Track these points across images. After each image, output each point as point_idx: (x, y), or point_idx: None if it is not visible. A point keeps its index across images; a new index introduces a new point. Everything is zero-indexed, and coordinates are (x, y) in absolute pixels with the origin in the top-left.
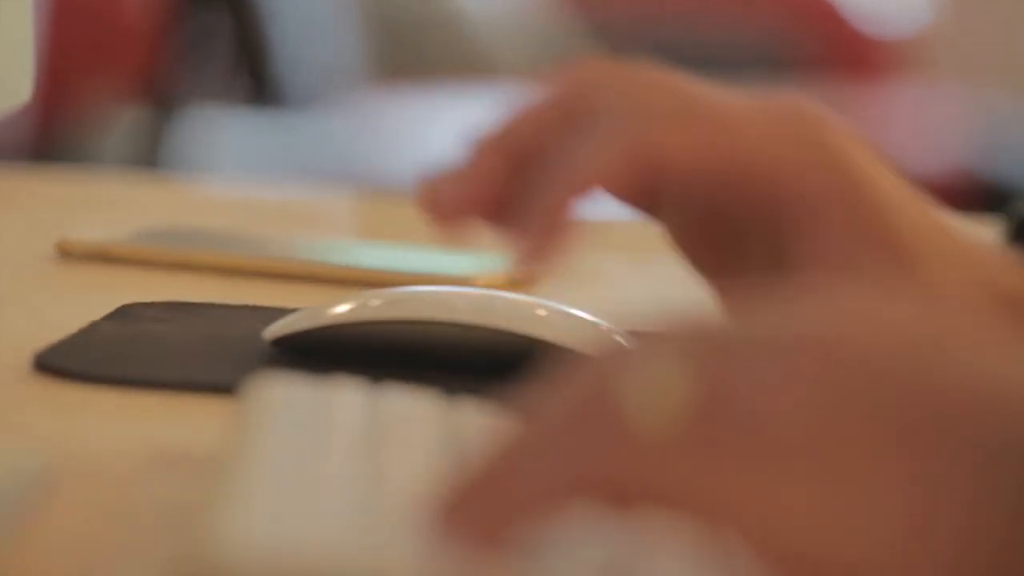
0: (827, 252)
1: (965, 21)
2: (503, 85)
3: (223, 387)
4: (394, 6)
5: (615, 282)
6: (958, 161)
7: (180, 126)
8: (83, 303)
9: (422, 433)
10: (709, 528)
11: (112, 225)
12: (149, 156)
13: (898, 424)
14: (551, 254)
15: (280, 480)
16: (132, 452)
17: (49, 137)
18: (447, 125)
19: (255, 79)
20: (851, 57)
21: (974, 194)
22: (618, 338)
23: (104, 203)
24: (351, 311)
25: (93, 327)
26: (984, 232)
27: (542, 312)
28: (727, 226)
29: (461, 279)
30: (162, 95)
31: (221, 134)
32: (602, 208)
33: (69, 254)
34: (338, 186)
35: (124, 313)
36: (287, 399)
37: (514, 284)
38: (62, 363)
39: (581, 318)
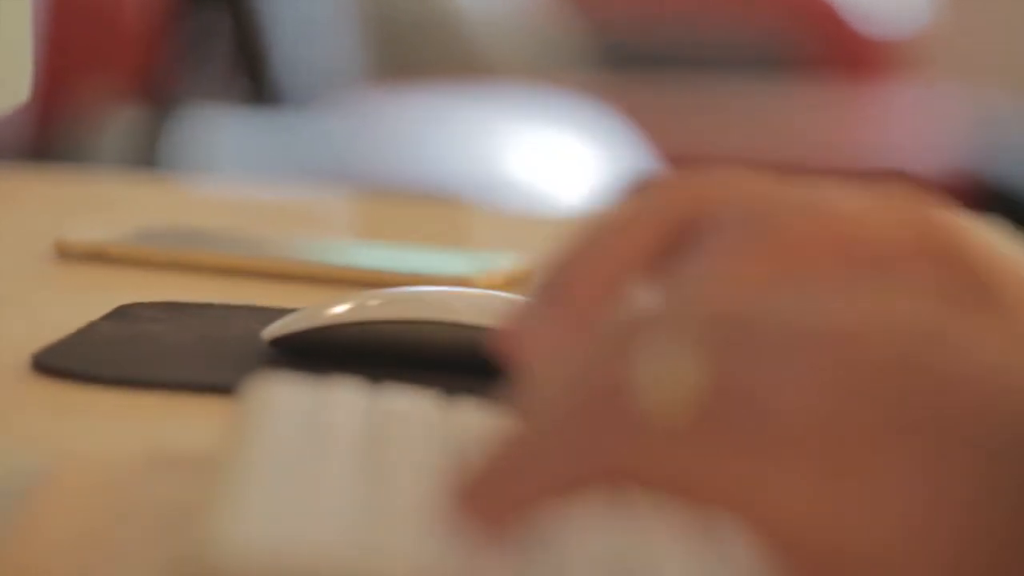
0: None
1: (964, 21)
2: (501, 85)
3: (221, 387)
4: (392, 7)
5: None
6: (957, 161)
7: (178, 126)
8: (81, 303)
9: (421, 433)
10: (716, 519)
11: (110, 225)
12: (147, 156)
13: (903, 420)
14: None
15: (278, 480)
16: (130, 452)
17: (47, 137)
18: (445, 125)
19: (253, 79)
20: (850, 57)
21: (973, 194)
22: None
23: (102, 203)
24: (350, 311)
25: (91, 327)
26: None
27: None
28: None
29: (459, 279)
30: (160, 95)
31: (219, 134)
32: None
33: (67, 254)
34: (336, 186)
35: (122, 313)
36: (286, 399)
37: (512, 284)
38: (60, 363)
39: None
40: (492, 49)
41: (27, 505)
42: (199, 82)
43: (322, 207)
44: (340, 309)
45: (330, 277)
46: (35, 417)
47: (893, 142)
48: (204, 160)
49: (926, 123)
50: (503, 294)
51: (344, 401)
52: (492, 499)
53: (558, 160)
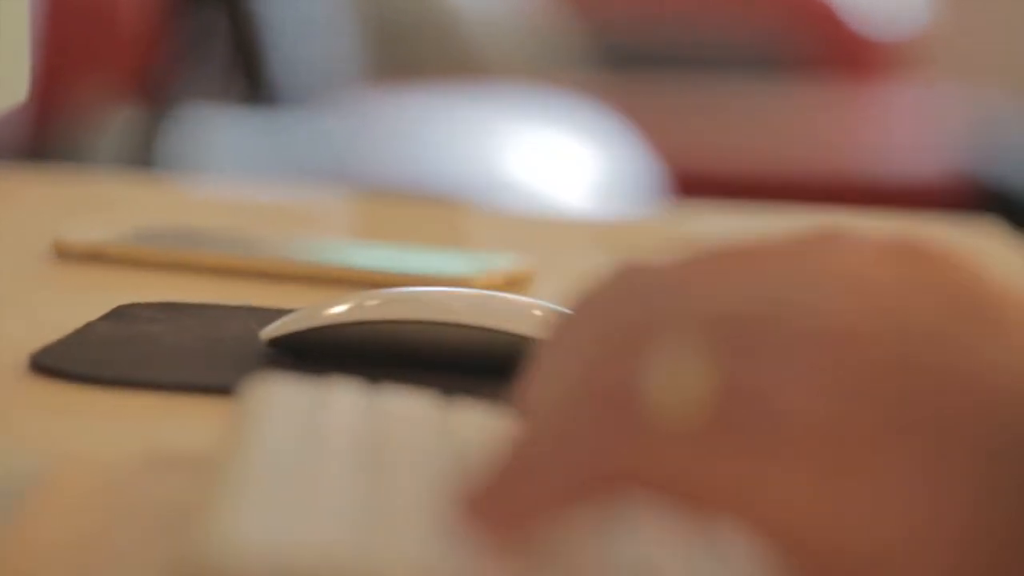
0: None
1: (963, 21)
2: (500, 85)
3: (220, 387)
4: (390, 6)
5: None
6: (956, 162)
7: (176, 126)
8: (79, 303)
9: (419, 434)
10: (718, 520)
11: (108, 225)
12: (145, 156)
13: (903, 420)
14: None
15: (277, 481)
16: (129, 453)
17: (45, 137)
18: (444, 126)
19: (251, 79)
20: (849, 58)
21: (972, 195)
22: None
23: (100, 203)
24: (348, 311)
25: (89, 327)
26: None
27: (539, 313)
28: None
29: (458, 279)
30: (158, 95)
31: (217, 134)
32: (600, 207)
33: (65, 254)
34: (334, 186)
35: (120, 314)
36: (284, 400)
37: (511, 285)
38: (58, 364)
39: None
40: (491, 49)
41: (25, 506)
42: (197, 82)
43: (320, 207)
44: (338, 309)
45: (328, 277)
46: (33, 418)
47: (892, 142)
48: (202, 160)
49: (925, 123)
50: (502, 294)
51: (342, 401)
52: (501, 505)
53: (557, 160)
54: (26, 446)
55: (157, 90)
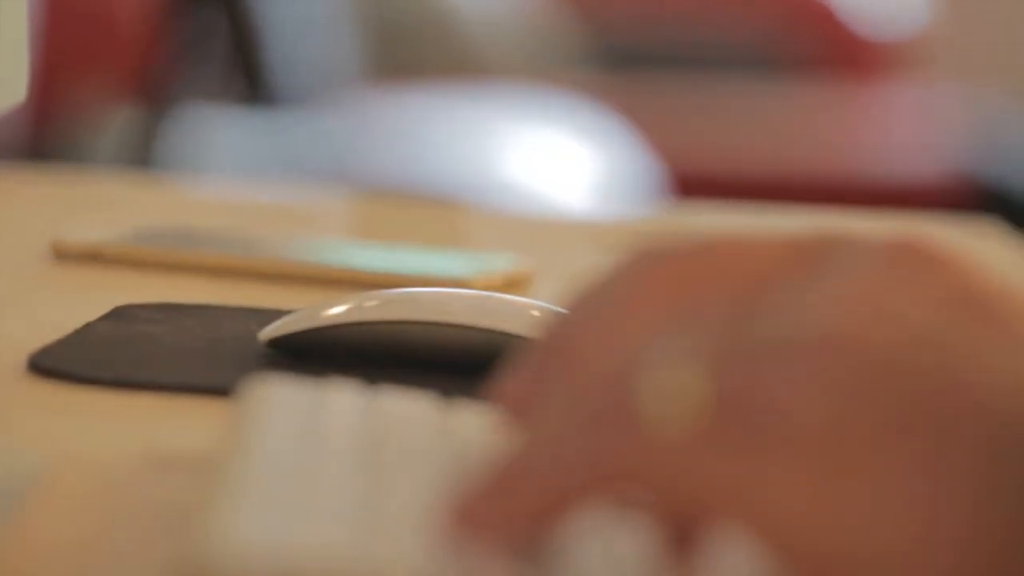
0: None
1: (963, 21)
2: (500, 86)
3: (219, 388)
4: (390, 6)
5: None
6: (956, 162)
7: (175, 126)
8: (77, 304)
9: (418, 435)
10: (724, 521)
11: (107, 226)
12: (144, 156)
13: (903, 421)
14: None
15: (276, 482)
16: (128, 453)
17: (44, 137)
18: (443, 126)
19: (250, 79)
20: (849, 58)
21: (972, 195)
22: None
23: (99, 203)
24: (347, 312)
25: (88, 328)
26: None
27: (538, 313)
28: None
29: (457, 280)
30: (157, 95)
31: (216, 134)
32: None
33: (64, 254)
34: (333, 186)
35: (119, 314)
36: (283, 400)
37: (510, 285)
38: (56, 364)
39: None
40: (490, 49)
41: (25, 506)
42: (196, 81)
43: (319, 208)
44: (337, 310)
45: (327, 278)
46: (32, 418)
47: (892, 143)
48: (201, 160)
49: (925, 123)
50: (501, 295)
51: (341, 402)
52: (498, 507)
53: (556, 160)
54: (25, 447)
55: (156, 90)
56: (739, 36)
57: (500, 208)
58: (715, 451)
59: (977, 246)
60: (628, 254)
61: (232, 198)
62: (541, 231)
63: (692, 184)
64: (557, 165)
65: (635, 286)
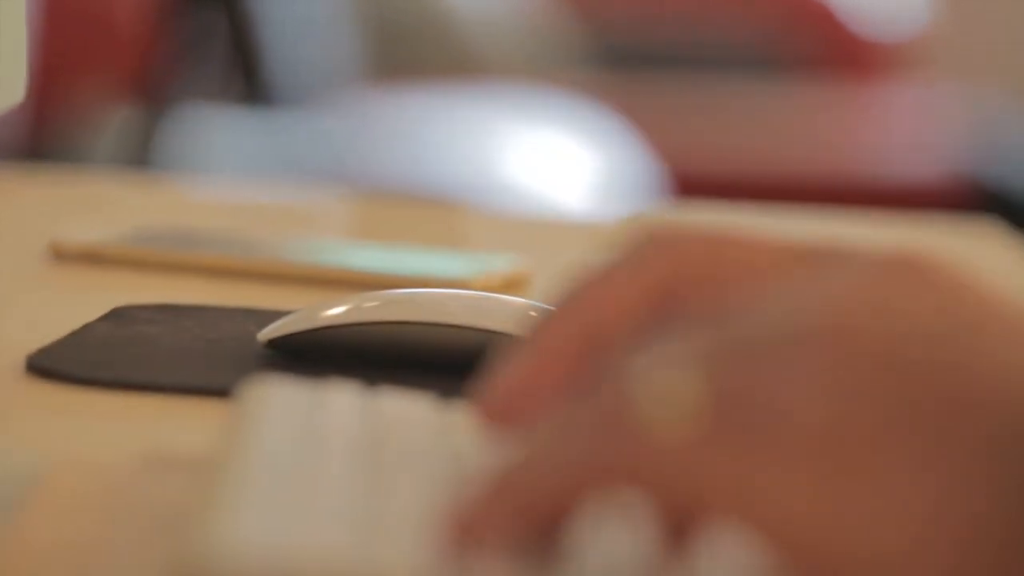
0: None
1: (963, 21)
2: (499, 86)
3: (218, 389)
4: (389, 6)
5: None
6: (956, 162)
7: (174, 126)
8: (76, 304)
9: (417, 435)
10: (721, 523)
11: (106, 226)
12: (143, 156)
13: (904, 420)
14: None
15: (275, 483)
16: (126, 454)
17: (42, 137)
18: (442, 126)
19: (249, 79)
20: (849, 58)
21: (972, 196)
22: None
23: (98, 204)
24: (346, 313)
25: (86, 329)
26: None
27: (536, 314)
28: None
29: (456, 281)
30: (156, 95)
31: (215, 134)
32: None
33: (62, 255)
34: (332, 186)
35: (117, 315)
36: (282, 401)
37: (509, 286)
38: (55, 365)
39: None
40: (490, 49)
41: (24, 507)
42: (195, 82)
43: (318, 208)
44: (336, 311)
45: (326, 279)
46: (30, 419)
47: (892, 143)
48: (200, 161)
49: (925, 124)
50: (499, 296)
51: (340, 403)
52: (498, 507)
53: (556, 161)
54: (24, 448)
55: (155, 90)
56: (739, 36)
57: (499, 209)
58: (715, 451)
59: (977, 246)
60: (626, 246)
61: (231, 198)
62: (540, 232)
63: (692, 184)
64: (556, 165)
65: (632, 280)
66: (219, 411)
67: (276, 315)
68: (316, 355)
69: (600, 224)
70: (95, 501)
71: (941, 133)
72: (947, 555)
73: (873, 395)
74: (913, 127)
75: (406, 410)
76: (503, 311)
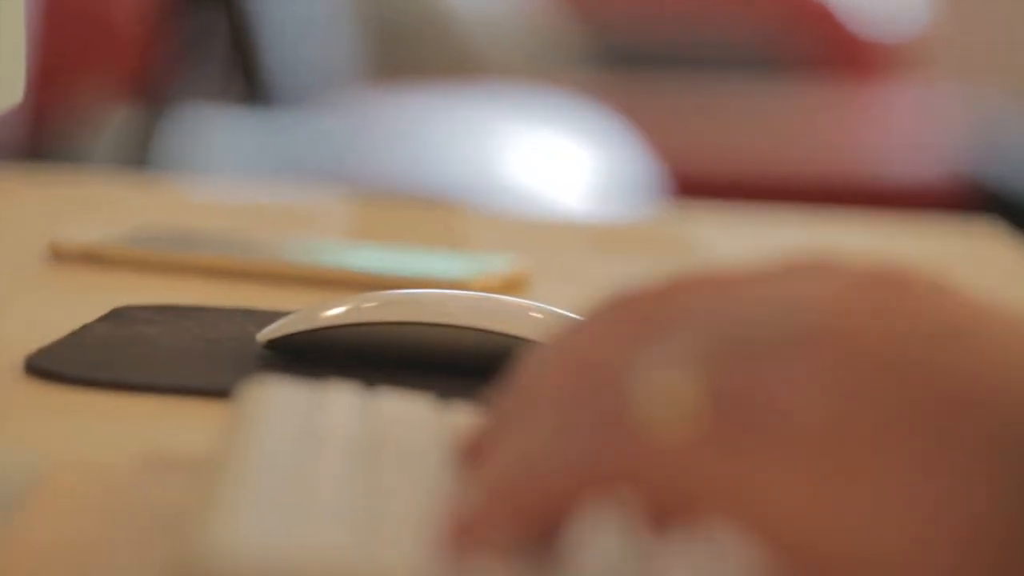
0: None
1: (963, 21)
2: (499, 86)
3: (217, 390)
4: (389, 6)
5: (610, 283)
6: (956, 163)
7: (173, 126)
8: (75, 305)
9: (416, 436)
10: (720, 524)
11: (105, 227)
12: (142, 156)
13: (905, 421)
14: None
15: (274, 483)
16: (126, 455)
17: (41, 137)
18: (442, 126)
19: (248, 79)
20: (849, 58)
21: (972, 196)
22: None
23: (97, 204)
24: (345, 313)
25: (85, 329)
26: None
27: (537, 315)
28: None
29: (455, 281)
30: (155, 95)
31: (214, 134)
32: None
33: (61, 256)
34: (332, 187)
35: (116, 315)
36: (281, 402)
37: (508, 286)
38: (53, 366)
39: None
40: (490, 49)
41: (23, 508)
42: (195, 82)
43: (317, 209)
44: (335, 311)
45: (325, 279)
46: (29, 420)
47: (892, 143)
48: (199, 161)
49: (925, 124)
50: (499, 296)
51: (339, 404)
52: (496, 512)
53: (555, 161)
54: (22, 449)
55: (155, 90)
56: (739, 36)
57: (499, 209)
58: (714, 451)
59: (977, 246)
60: (621, 288)
61: (231, 199)
62: (540, 232)
63: (692, 184)
64: (556, 165)
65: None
66: (218, 412)
67: (275, 316)
68: (315, 356)
69: (599, 224)
70: (95, 501)
71: (941, 133)
72: (947, 555)
73: (873, 395)
74: (913, 127)
75: (405, 411)
76: (502, 312)
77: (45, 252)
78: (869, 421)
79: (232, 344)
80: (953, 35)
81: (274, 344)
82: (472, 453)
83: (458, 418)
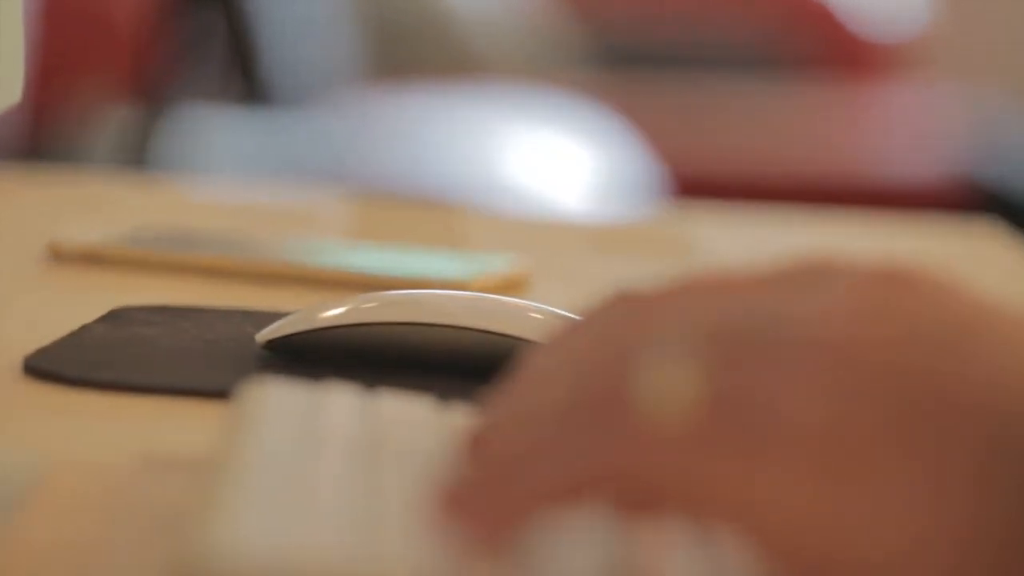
0: None
1: (963, 21)
2: (499, 85)
3: (216, 391)
4: (389, 6)
5: (610, 284)
6: (956, 163)
7: (172, 126)
8: (74, 305)
9: (416, 437)
10: (718, 524)
11: (104, 227)
12: (141, 156)
13: (905, 422)
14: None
15: (273, 484)
16: (125, 456)
17: (40, 137)
18: (441, 126)
19: (248, 79)
20: (849, 58)
21: (972, 196)
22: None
23: (96, 204)
24: (344, 314)
25: (84, 330)
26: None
27: (536, 315)
28: None
29: (455, 282)
30: (154, 95)
31: (214, 134)
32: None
33: (60, 256)
34: (331, 187)
35: (115, 316)
36: (280, 403)
37: (508, 287)
38: (52, 367)
39: None
40: (490, 49)
41: (22, 508)
42: (194, 82)
43: (317, 209)
44: (335, 312)
45: (325, 280)
46: (28, 421)
47: (892, 143)
48: (199, 161)
49: (925, 124)
50: (499, 297)
51: (339, 404)
52: (490, 502)
53: (555, 161)
54: (21, 449)
55: (154, 90)
56: (739, 36)
57: (498, 209)
58: (713, 451)
59: (977, 246)
60: (622, 287)
61: (229, 199)
62: (539, 232)
63: (692, 184)
64: (556, 165)
65: (633, 305)
66: (218, 412)
67: (274, 316)
68: (315, 356)
69: (599, 224)
70: (95, 501)
71: (941, 133)
72: (947, 555)
73: (873, 397)
74: (913, 127)
75: (405, 411)
76: (502, 312)
77: (44, 252)
78: (869, 422)
79: (231, 345)
80: (953, 35)
81: (273, 345)
82: (471, 448)
83: (458, 418)
